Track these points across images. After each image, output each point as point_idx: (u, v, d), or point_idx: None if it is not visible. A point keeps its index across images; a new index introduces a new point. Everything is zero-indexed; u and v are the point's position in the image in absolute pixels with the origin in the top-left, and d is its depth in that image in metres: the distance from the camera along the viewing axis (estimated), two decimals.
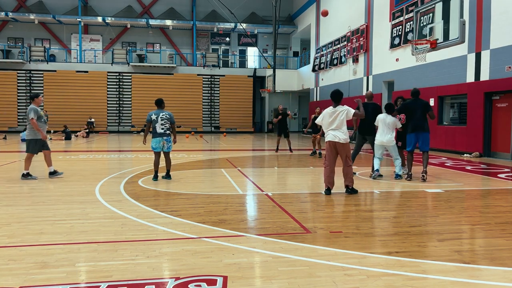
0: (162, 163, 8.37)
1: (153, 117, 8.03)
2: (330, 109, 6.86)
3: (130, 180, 8.16)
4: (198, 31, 33.34)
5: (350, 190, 6.77)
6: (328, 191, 6.78)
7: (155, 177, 8.08)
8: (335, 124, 6.71)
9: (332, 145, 6.74)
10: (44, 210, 5.54)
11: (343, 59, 23.60)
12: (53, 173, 8.51)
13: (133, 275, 3.30)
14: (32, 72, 29.33)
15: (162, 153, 8.27)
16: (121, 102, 30.59)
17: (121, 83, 30.55)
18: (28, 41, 31.51)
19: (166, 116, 8.05)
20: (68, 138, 21.25)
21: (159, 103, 8.21)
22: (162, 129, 8.03)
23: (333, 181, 6.81)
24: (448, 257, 3.76)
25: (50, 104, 29.19)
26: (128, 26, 32.15)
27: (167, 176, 8.24)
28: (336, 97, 6.83)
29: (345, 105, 6.79)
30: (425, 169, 8.21)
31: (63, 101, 29.02)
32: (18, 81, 29.27)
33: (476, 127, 13.56)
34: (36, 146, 8.35)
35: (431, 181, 8.33)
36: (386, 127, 8.37)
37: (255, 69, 32.60)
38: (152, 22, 31.51)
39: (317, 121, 7.13)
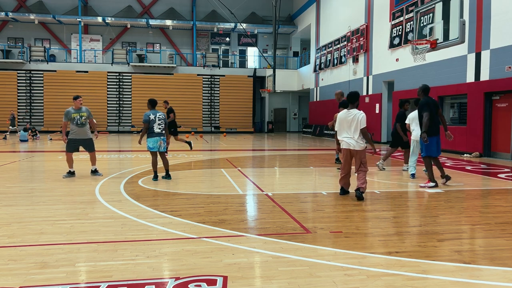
0: (160, 163, 8.38)
1: (151, 117, 8.12)
2: (344, 113, 6.57)
3: (130, 180, 8.16)
4: (198, 31, 33.34)
5: (359, 194, 6.31)
6: (342, 191, 6.72)
7: (155, 177, 8.16)
8: (350, 131, 6.45)
9: (347, 151, 6.55)
10: (44, 210, 5.54)
11: (343, 59, 23.60)
12: (70, 174, 8.73)
13: (133, 275, 3.30)
14: (32, 72, 29.32)
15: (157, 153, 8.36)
16: (121, 102, 30.58)
17: (121, 83, 30.54)
18: (28, 41, 31.50)
19: (162, 116, 8.24)
20: None
21: (154, 104, 8.34)
22: (159, 128, 8.15)
23: (349, 181, 6.71)
24: (448, 257, 3.76)
25: (50, 104, 29.22)
26: (128, 26, 32.14)
27: (167, 176, 8.33)
28: (352, 99, 6.51)
29: (360, 111, 6.45)
30: (446, 173, 7.80)
31: (63, 101, 28.97)
32: (18, 81, 29.26)
33: (476, 127, 13.55)
34: (72, 145, 8.81)
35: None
36: (415, 124, 8.52)
37: (255, 69, 32.59)
38: (152, 22, 31.50)
39: (336, 127, 6.80)
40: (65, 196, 6.53)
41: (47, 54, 29.96)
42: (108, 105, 30.30)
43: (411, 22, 16.17)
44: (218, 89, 31.83)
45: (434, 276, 3.31)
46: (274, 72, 27.35)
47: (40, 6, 30.80)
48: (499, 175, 9.25)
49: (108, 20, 30.95)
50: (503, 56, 12.42)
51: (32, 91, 29.45)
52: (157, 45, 33.30)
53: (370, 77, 20.72)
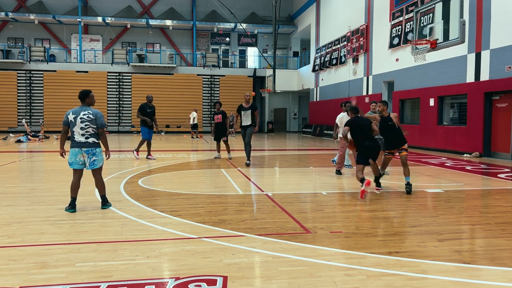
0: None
1: (70, 117, 5.51)
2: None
3: (130, 180, 8.15)
4: (198, 31, 33.33)
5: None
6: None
7: (71, 207, 5.49)
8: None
9: None
10: (44, 210, 5.54)
11: (343, 59, 23.60)
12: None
13: (133, 275, 3.30)
14: (32, 72, 29.30)
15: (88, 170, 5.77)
16: (121, 102, 30.57)
17: (121, 83, 30.53)
18: (28, 41, 31.48)
19: (88, 117, 5.48)
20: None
21: (83, 97, 5.59)
22: (83, 135, 5.51)
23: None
24: (448, 257, 3.76)
25: (50, 104, 29.21)
26: (128, 26, 32.12)
27: (104, 204, 5.71)
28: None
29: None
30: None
31: (63, 101, 28.98)
32: (18, 81, 29.24)
33: (476, 127, 13.55)
34: None
35: (431, 181, 8.33)
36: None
37: (255, 69, 32.57)
38: (152, 22, 31.48)
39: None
40: (65, 196, 6.52)
41: (47, 54, 29.94)
42: (108, 105, 30.29)
43: (411, 22, 16.16)
44: (218, 89, 31.82)
45: (434, 276, 3.31)
46: (274, 72, 27.34)
47: (40, 6, 30.79)
48: (499, 175, 9.25)
49: (108, 20, 30.94)
50: (503, 56, 12.42)
51: (32, 91, 29.43)
52: (157, 45, 33.29)
53: (370, 77, 20.71)
